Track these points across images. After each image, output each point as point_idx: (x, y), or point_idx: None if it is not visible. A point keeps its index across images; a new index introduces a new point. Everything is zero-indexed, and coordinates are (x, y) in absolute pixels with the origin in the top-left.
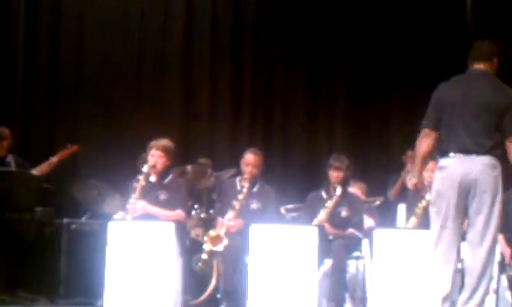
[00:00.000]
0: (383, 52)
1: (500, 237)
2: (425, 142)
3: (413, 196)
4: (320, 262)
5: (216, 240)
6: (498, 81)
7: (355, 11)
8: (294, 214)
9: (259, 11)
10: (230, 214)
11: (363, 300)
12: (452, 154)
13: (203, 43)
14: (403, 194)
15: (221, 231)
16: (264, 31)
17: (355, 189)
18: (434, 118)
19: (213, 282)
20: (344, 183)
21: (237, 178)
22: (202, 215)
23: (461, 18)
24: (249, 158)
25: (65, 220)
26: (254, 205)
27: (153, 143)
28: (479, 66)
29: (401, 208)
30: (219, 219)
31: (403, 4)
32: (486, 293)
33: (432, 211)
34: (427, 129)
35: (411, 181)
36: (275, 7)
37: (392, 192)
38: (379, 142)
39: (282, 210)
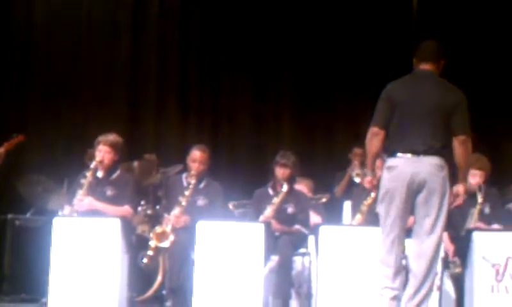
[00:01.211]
0: (328, 51)
1: (444, 234)
2: (375, 141)
3: (359, 193)
4: (267, 258)
5: (162, 236)
6: (445, 81)
7: (302, 9)
8: (243, 210)
9: (206, 17)
10: (176, 210)
11: (309, 296)
12: (400, 154)
13: (150, 38)
14: (349, 190)
15: (167, 227)
16: (211, 32)
17: (302, 186)
18: (382, 116)
19: (159, 278)
20: (290, 180)
21: (184, 175)
22: (148, 212)
23: (407, 18)
24: (196, 155)
25: (9, 216)
26: (200, 201)
27: (100, 138)
28: (426, 66)
29: (347, 205)
30: (166, 215)
31: (348, 5)
32: (431, 290)
33: (381, 209)
34: (376, 128)
35: (365, 178)
36: (221, 14)
37: (338, 189)
38: (326, 139)
39: (230, 206)
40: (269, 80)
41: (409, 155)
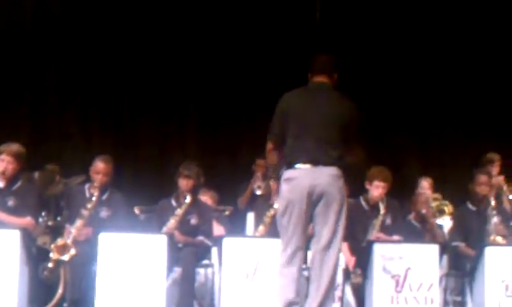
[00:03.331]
0: (231, 64)
1: (345, 245)
2: (272, 155)
3: (261, 205)
4: (169, 270)
5: (63, 248)
6: (340, 94)
7: (204, 27)
8: (148, 215)
9: (110, 26)
10: (79, 222)
11: None
12: (299, 165)
13: (51, 46)
14: (252, 202)
15: (68, 239)
16: (114, 42)
17: (206, 197)
18: (278, 128)
19: (59, 291)
20: (194, 191)
21: (87, 185)
22: (49, 223)
23: (309, 34)
24: (99, 166)
25: None
26: (103, 213)
27: (3, 148)
28: (321, 79)
29: (250, 216)
30: (67, 226)
31: (250, 23)
32: (332, 300)
33: (281, 221)
34: (271, 143)
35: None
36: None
37: (241, 201)
38: (230, 150)
39: (136, 210)
40: (174, 91)
41: (307, 166)
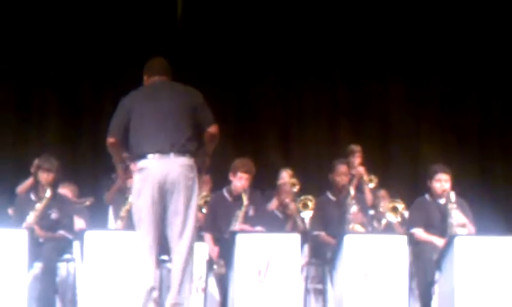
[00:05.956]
0: (94, 57)
1: (208, 237)
2: (115, 150)
3: (118, 199)
4: (30, 265)
5: None
6: (182, 84)
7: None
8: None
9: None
10: None
11: (74, 302)
12: (150, 155)
13: None
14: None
15: None
16: None
17: (66, 191)
18: (118, 123)
19: None
20: (54, 184)
21: None
22: None
23: (171, 26)
24: None
25: None
26: None
27: None
28: (162, 78)
29: (112, 210)
30: None
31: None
32: (190, 289)
33: (135, 211)
34: (111, 138)
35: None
36: None
37: (108, 195)
38: (90, 143)
39: None
40: (33, 80)
41: (158, 155)
